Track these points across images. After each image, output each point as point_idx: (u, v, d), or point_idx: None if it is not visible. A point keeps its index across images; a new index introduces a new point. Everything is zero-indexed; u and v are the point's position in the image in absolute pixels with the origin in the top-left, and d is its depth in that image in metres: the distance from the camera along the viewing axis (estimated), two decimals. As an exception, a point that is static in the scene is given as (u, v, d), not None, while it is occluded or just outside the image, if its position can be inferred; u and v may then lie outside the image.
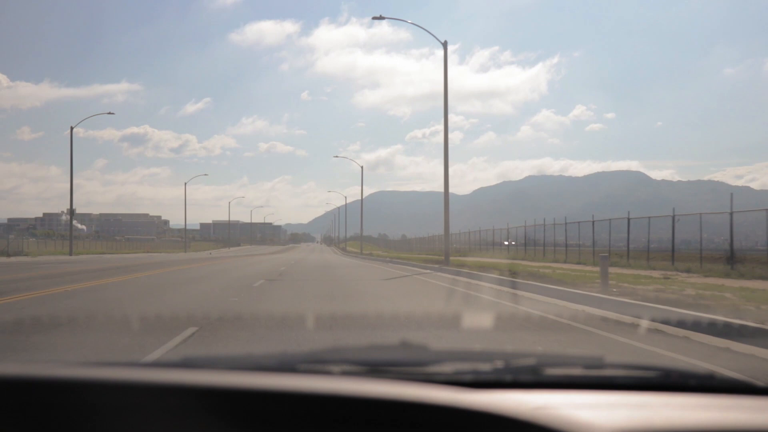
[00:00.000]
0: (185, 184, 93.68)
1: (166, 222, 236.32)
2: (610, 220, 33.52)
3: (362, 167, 71.46)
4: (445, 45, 30.46)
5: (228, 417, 1.42)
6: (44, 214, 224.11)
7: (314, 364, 1.73)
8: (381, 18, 31.01)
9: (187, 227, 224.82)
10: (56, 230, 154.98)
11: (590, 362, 1.88)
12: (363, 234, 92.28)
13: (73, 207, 55.24)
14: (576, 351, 7.42)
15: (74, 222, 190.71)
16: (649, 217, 29.71)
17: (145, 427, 1.43)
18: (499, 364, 1.75)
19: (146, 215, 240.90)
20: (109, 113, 61.30)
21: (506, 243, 49.29)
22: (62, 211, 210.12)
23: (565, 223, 38.01)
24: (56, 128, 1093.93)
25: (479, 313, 11.64)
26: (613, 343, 7.89)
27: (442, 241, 69.75)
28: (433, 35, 30.89)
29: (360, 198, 73.25)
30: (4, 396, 1.49)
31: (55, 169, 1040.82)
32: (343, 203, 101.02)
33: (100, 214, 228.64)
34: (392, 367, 1.71)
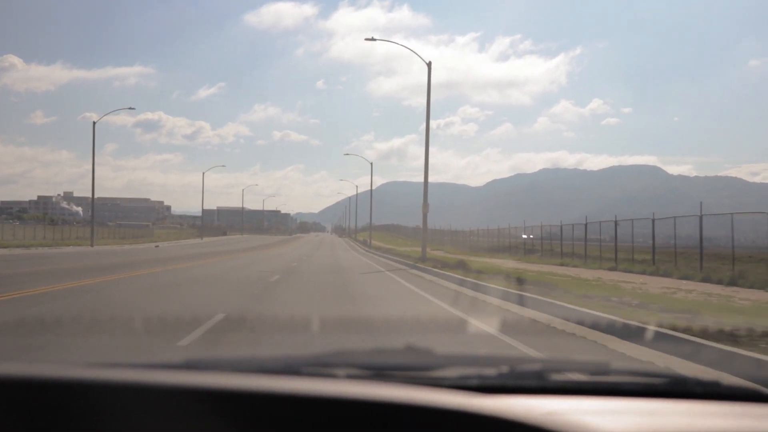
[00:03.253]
0: (203, 174, 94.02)
1: (168, 207, 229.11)
2: (632, 220, 31.49)
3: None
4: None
5: (231, 419, 1.42)
6: (39, 197, 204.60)
7: (319, 368, 1.74)
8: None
9: (191, 214, 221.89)
10: (51, 214, 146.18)
11: (596, 368, 1.92)
12: (373, 224, 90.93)
13: (70, 191, 54.78)
14: (581, 357, 7.34)
15: (70, 205, 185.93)
16: (675, 217, 27.49)
17: (148, 429, 1.43)
18: (505, 369, 1.75)
19: (147, 200, 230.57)
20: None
21: (524, 236, 48.49)
22: (58, 194, 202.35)
23: (586, 223, 35.28)
24: (69, 112, 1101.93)
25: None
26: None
27: (465, 235, 69.87)
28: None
29: (370, 197, 73.98)
30: (7, 396, 1.49)
31: (66, 154, 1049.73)
32: (355, 193, 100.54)
33: (98, 198, 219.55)
34: (397, 371, 1.72)
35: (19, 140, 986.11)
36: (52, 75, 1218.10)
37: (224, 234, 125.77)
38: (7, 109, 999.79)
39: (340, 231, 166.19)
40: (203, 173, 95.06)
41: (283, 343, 8.09)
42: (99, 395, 1.48)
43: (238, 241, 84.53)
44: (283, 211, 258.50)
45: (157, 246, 56.82)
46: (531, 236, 47.03)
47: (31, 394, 1.50)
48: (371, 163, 71.72)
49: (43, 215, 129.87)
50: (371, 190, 74.36)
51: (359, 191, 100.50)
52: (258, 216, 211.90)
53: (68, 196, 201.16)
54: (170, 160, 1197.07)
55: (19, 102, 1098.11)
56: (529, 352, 7.86)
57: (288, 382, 1.51)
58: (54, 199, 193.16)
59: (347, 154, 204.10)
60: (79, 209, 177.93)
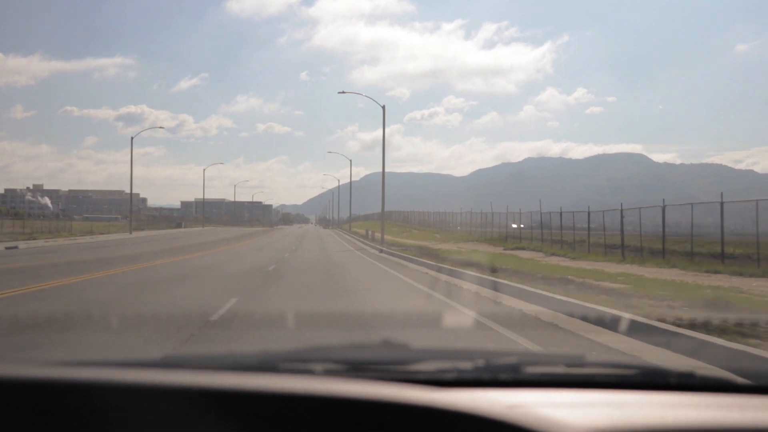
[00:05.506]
0: (204, 170, 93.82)
1: (144, 200, 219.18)
2: (640, 208, 29.38)
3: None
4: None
5: (207, 418, 1.42)
6: (6, 189, 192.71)
7: (296, 363, 1.72)
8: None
9: (166, 206, 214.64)
10: (19, 208, 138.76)
11: (571, 361, 1.91)
12: (361, 214, 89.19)
13: (41, 183, 54.34)
14: (557, 350, 7.22)
15: (39, 198, 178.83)
16: (691, 204, 25.13)
17: (124, 429, 1.42)
18: (480, 362, 1.75)
19: (120, 192, 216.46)
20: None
21: (514, 226, 47.44)
22: (27, 188, 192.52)
23: (589, 212, 33.04)
24: (49, 106, 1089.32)
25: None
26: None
27: (455, 222, 67.21)
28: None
29: (349, 189, 75.52)
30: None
31: (46, 147, 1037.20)
32: (337, 185, 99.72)
33: (69, 191, 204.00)
34: (374, 366, 1.70)
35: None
36: (31, 67, 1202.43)
37: (179, 226, 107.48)
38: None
39: (324, 222, 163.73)
40: (204, 169, 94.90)
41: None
42: (73, 395, 1.47)
43: (181, 236, 59.67)
44: (266, 203, 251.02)
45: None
46: (521, 225, 46.14)
47: (5, 395, 1.49)
48: (350, 160, 73.85)
49: (6, 209, 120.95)
50: (351, 184, 74.04)
51: (342, 183, 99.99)
52: (239, 207, 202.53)
53: (38, 189, 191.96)
54: (152, 153, 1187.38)
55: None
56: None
57: (264, 379, 1.51)
58: (19, 192, 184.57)
59: (330, 152, 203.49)
60: (47, 201, 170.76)
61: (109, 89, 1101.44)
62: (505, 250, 34.95)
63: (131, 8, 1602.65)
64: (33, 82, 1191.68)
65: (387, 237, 47.03)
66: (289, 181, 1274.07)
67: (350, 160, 73.40)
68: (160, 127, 62.19)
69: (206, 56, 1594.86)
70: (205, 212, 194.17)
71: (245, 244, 44.80)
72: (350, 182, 75.40)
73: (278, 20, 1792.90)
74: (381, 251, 35.39)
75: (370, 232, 57.60)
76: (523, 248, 35.11)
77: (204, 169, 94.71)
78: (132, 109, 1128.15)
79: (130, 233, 62.00)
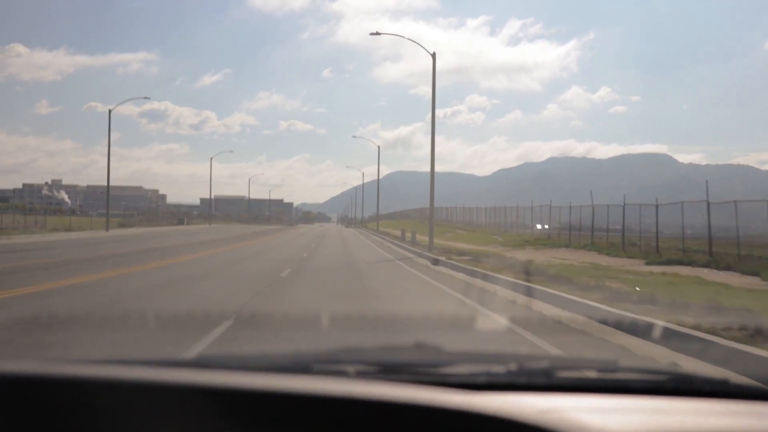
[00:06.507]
0: (211, 159, 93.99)
1: (163, 197, 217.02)
2: (682, 203, 28.13)
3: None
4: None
5: (242, 419, 1.44)
6: (24, 185, 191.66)
7: (329, 364, 1.73)
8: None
9: (187, 202, 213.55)
10: (37, 203, 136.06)
11: (604, 366, 1.90)
12: (384, 213, 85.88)
13: (59, 178, 53.73)
14: (590, 355, 7.11)
15: (53, 193, 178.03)
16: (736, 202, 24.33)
17: (160, 429, 1.44)
18: (513, 366, 1.74)
19: (140, 188, 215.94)
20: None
21: (539, 226, 45.77)
22: (45, 183, 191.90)
23: (624, 205, 31.24)
24: (74, 102, 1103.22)
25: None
26: None
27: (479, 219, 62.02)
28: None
29: (377, 182, 72.04)
30: (20, 394, 1.50)
31: (70, 143, 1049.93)
32: (360, 182, 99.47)
33: (87, 186, 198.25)
34: (407, 368, 1.70)
35: (24, 130, 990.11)
36: (56, 61, 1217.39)
37: (181, 222, 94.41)
38: (12, 99, 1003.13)
39: (346, 221, 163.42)
40: (211, 158, 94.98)
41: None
42: (109, 393, 1.47)
43: (170, 235, 49.50)
44: (286, 201, 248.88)
45: None
46: (546, 226, 45.32)
47: (40, 392, 1.49)
48: (378, 146, 69.71)
49: (22, 204, 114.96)
50: (378, 173, 73.29)
51: (366, 180, 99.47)
52: (259, 205, 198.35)
53: (56, 185, 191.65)
54: (175, 150, 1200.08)
55: (24, 91, 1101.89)
56: None
57: (298, 380, 1.51)
58: (37, 187, 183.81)
59: (355, 136, 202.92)
60: (65, 197, 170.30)
61: (132, 84, 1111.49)
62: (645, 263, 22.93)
63: (154, 3, 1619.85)
64: (59, 77, 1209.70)
65: (427, 239, 33.74)
66: (311, 180, 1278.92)
67: (378, 146, 69.77)
68: (145, 98, 59.68)
69: (229, 51, 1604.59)
70: (224, 209, 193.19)
71: (234, 248, 32.25)
72: (378, 170, 70.17)
73: (301, 15, 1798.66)
74: (436, 262, 23.73)
75: (407, 233, 43.89)
76: (628, 257, 25.25)
77: (211, 158, 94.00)
78: (155, 105, 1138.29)
79: (107, 231, 54.33)
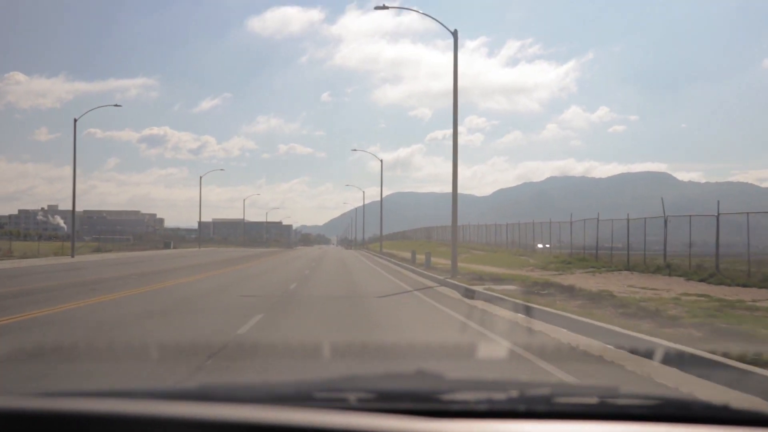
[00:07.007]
0: (201, 177, 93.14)
1: (161, 221, 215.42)
2: (689, 216, 27.13)
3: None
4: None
5: None
6: (19, 210, 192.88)
7: (331, 393, 1.73)
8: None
9: (185, 227, 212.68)
10: (32, 229, 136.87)
11: (605, 392, 1.88)
12: (383, 234, 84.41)
13: (55, 204, 52.55)
14: (591, 381, 7.02)
15: (54, 218, 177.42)
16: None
17: None
18: (514, 393, 1.74)
19: (137, 212, 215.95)
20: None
21: (540, 246, 44.93)
22: (41, 208, 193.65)
23: (646, 218, 29.86)
24: (73, 128, 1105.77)
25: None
26: None
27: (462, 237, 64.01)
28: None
29: (380, 198, 70.52)
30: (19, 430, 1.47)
31: (69, 170, 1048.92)
32: (361, 203, 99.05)
33: (84, 211, 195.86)
34: (408, 396, 1.70)
35: (23, 157, 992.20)
36: (55, 88, 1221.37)
37: (167, 246, 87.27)
38: (12, 127, 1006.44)
39: (346, 243, 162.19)
40: (200, 177, 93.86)
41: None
42: (110, 428, 1.46)
43: (145, 261, 43.54)
44: (285, 223, 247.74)
45: None
46: (547, 245, 44.86)
47: (40, 428, 1.46)
48: (381, 160, 68.00)
49: (17, 230, 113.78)
50: (381, 189, 72.80)
51: (366, 202, 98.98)
52: (257, 228, 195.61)
53: (52, 210, 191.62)
54: (175, 174, 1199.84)
55: (24, 119, 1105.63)
56: None
57: (300, 412, 1.51)
58: (32, 213, 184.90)
59: (355, 150, 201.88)
60: (61, 222, 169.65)
61: (131, 110, 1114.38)
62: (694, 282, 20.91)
63: (153, 28, 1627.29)
64: (58, 104, 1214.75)
65: (443, 261, 30.86)
66: (310, 202, 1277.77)
67: (381, 160, 67.37)
68: (116, 105, 57.59)
69: (228, 76, 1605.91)
70: (223, 232, 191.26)
71: (200, 278, 26.01)
72: (381, 187, 67.86)
73: (300, 39, 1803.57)
74: (470, 294, 17.83)
75: (418, 255, 38.76)
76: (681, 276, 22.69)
77: (201, 177, 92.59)
78: (155, 130, 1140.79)
79: (72, 257, 47.73)
